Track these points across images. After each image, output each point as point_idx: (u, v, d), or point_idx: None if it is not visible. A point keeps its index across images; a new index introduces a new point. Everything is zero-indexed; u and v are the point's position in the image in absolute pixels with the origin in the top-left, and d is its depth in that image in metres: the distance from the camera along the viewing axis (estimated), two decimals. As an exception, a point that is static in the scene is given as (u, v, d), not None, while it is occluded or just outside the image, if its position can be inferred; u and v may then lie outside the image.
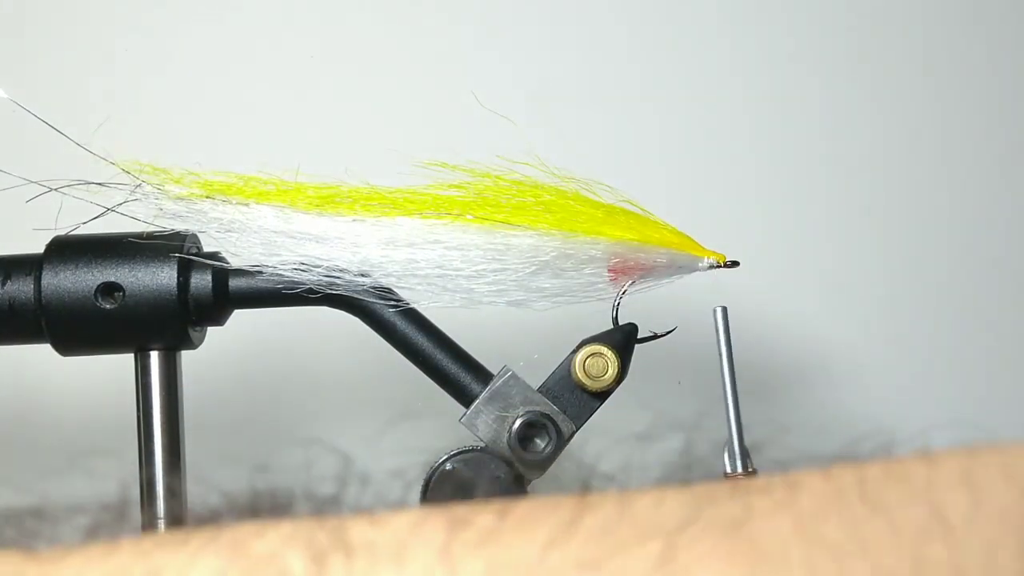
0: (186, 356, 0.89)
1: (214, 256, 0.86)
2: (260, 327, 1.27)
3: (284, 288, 0.84)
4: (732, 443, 0.89)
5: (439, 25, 1.42)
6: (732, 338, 0.89)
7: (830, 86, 1.47)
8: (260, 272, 0.85)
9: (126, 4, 1.38)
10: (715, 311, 0.88)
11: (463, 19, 1.42)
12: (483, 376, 0.85)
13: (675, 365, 1.41)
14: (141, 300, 0.83)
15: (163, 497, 0.86)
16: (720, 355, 0.89)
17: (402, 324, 0.85)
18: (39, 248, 0.85)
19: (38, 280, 0.83)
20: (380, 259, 0.84)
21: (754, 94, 1.46)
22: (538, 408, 0.84)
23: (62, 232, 0.85)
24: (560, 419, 0.84)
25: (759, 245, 1.45)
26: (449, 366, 0.86)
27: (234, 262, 0.85)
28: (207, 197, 0.85)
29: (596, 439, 1.14)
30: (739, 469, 0.89)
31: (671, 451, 1.56)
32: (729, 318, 0.89)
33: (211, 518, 0.47)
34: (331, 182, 0.86)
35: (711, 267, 0.88)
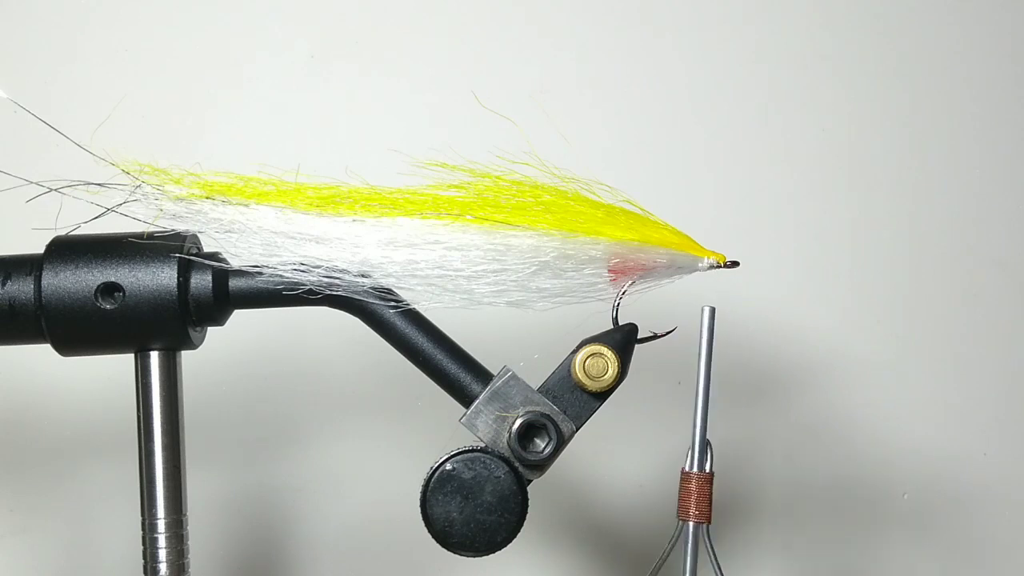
0: (186, 356, 0.89)
1: (214, 256, 0.86)
2: (260, 327, 1.27)
3: (284, 289, 0.84)
4: (694, 441, 0.89)
5: (439, 26, 1.42)
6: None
7: (832, 87, 1.47)
8: (260, 272, 0.84)
9: (126, 5, 1.38)
10: (703, 310, 0.89)
11: (463, 20, 1.42)
12: (483, 376, 0.85)
13: (675, 365, 1.41)
14: (141, 300, 0.83)
15: (163, 497, 0.86)
16: (699, 354, 0.89)
17: (402, 324, 0.85)
18: (39, 248, 0.85)
19: (38, 280, 0.83)
20: (380, 260, 0.83)
21: (754, 95, 1.46)
22: (538, 408, 0.84)
23: (62, 232, 0.85)
24: (560, 419, 0.84)
25: (759, 245, 1.45)
26: (449, 366, 0.85)
27: (234, 262, 0.85)
28: (207, 198, 0.85)
29: (596, 439, 1.14)
30: (695, 468, 0.89)
31: (671, 451, 1.57)
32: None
33: None
34: (331, 182, 0.86)
35: (711, 267, 0.87)
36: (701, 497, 0.89)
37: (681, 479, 0.90)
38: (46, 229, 0.85)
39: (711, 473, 0.89)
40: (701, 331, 0.88)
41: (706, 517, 0.89)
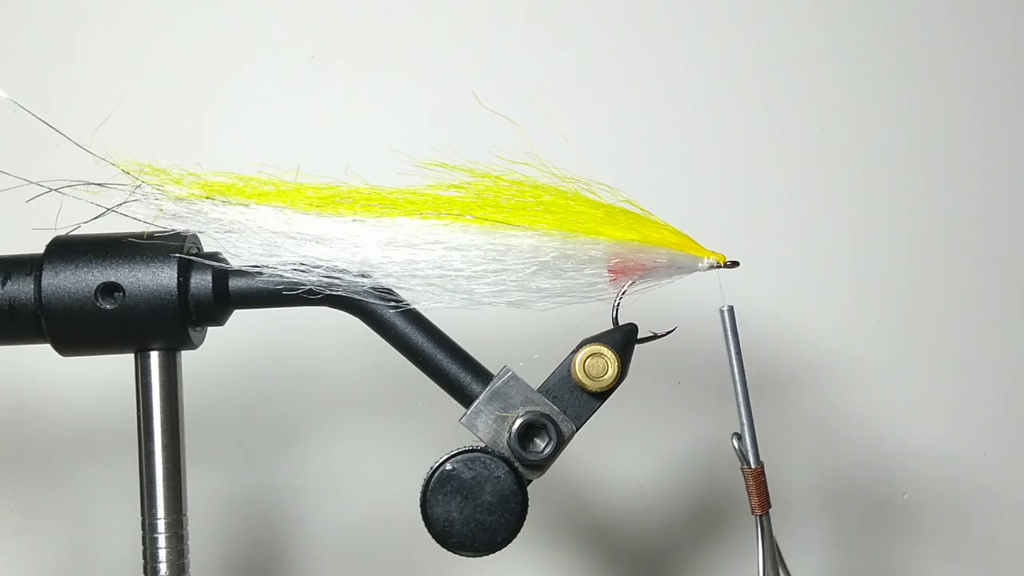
0: (186, 356, 0.89)
1: (214, 256, 0.86)
2: (260, 327, 1.27)
3: (284, 289, 0.84)
4: (744, 439, 0.89)
5: (439, 26, 1.42)
6: (722, 339, 0.88)
7: (832, 87, 1.47)
8: (260, 273, 0.84)
9: (126, 5, 1.38)
10: (722, 311, 0.88)
11: (463, 20, 1.42)
12: (483, 376, 0.85)
13: (675, 365, 1.41)
14: (141, 300, 0.83)
15: (163, 497, 0.86)
16: (729, 354, 0.88)
17: (402, 324, 0.85)
18: (39, 248, 0.85)
19: (38, 280, 0.83)
20: (380, 260, 0.83)
21: (754, 95, 1.46)
22: (538, 408, 0.84)
23: (62, 232, 0.85)
24: (560, 419, 0.84)
25: (759, 245, 1.45)
26: (449, 366, 0.85)
27: (234, 262, 0.85)
28: (207, 198, 0.85)
29: (596, 439, 1.14)
30: (752, 464, 0.89)
31: (671, 451, 1.57)
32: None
33: None
34: (331, 182, 0.86)
35: (711, 267, 0.87)
36: (765, 488, 0.90)
37: (748, 477, 0.89)
38: (46, 229, 0.85)
39: (762, 464, 0.90)
40: (725, 332, 0.87)
41: (769, 505, 0.90)
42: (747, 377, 0.88)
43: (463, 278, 0.84)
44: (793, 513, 1.46)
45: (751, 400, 0.89)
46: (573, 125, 1.39)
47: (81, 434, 1.36)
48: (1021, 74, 1.50)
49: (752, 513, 0.90)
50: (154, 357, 0.86)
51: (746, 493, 0.90)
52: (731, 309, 0.88)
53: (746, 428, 0.89)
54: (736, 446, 0.90)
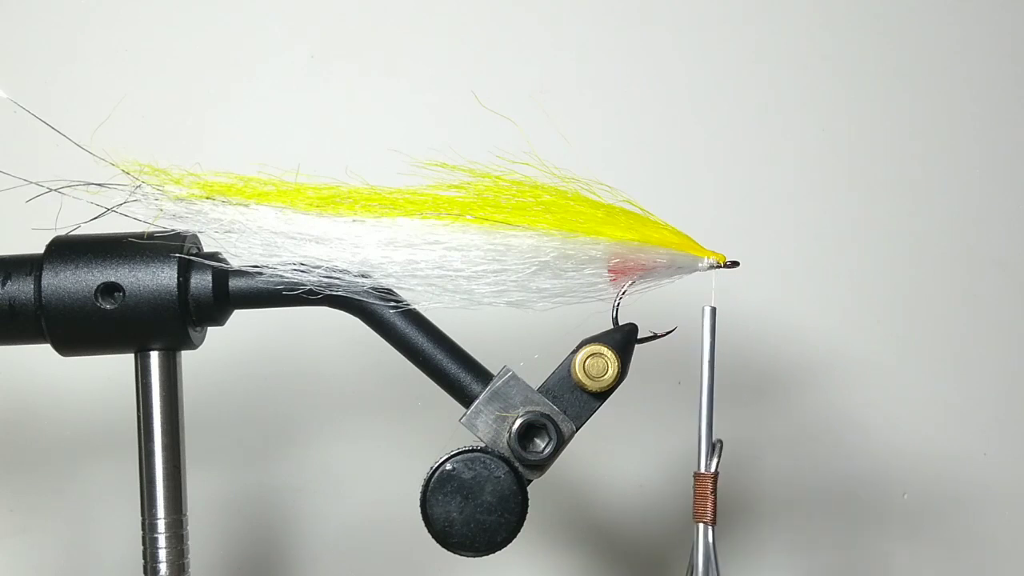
0: (186, 356, 0.89)
1: (214, 256, 0.86)
2: (260, 327, 1.27)
3: (284, 289, 0.84)
4: (700, 442, 0.89)
5: (439, 26, 1.42)
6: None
7: (832, 87, 1.47)
8: (260, 273, 0.84)
9: (126, 5, 1.38)
10: (704, 310, 0.87)
11: (463, 20, 1.42)
12: (483, 376, 0.85)
13: (675, 365, 1.41)
14: (141, 300, 0.83)
15: (163, 497, 0.86)
16: (702, 355, 0.88)
17: (402, 324, 0.85)
18: (39, 248, 0.85)
19: (38, 280, 0.83)
20: (380, 260, 0.83)
21: (754, 95, 1.46)
22: (538, 408, 0.84)
23: (62, 232, 0.85)
24: (560, 419, 0.84)
25: (759, 245, 1.45)
26: (449, 366, 0.85)
27: (234, 262, 0.85)
28: (207, 198, 0.85)
29: (596, 439, 1.14)
30: (702, 469, 0.88)
31: (671, 451, 1.58)
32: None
33: None
34: (331, 182, 0.86)
35: (711, 267, 0.87)
36: (705, 498, 0.88)
37: (694, 481, 0.89)
38: (46, 229, 0.85)
39: (715, 473, 0.88)
40: (703, 331, 0.88)
41: (711, 519, 0.88)
42: (715, 382, 0.87)
43: (463, 278, 0.84)
44: (793, 513, 1.46)
45: (714, 404, 0.88)
46: (573, 125, 1.39)
47: (81, 434, 1.36)
48: (1021, 74, 1.50)
49: (694, 520, 0.89)
50: (154, 357, 0.86)
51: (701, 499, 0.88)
52: (713, 310, 0.87)
53: (703, 431, 0.88)
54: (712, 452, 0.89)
